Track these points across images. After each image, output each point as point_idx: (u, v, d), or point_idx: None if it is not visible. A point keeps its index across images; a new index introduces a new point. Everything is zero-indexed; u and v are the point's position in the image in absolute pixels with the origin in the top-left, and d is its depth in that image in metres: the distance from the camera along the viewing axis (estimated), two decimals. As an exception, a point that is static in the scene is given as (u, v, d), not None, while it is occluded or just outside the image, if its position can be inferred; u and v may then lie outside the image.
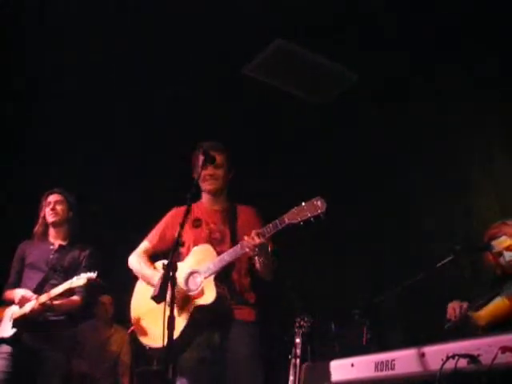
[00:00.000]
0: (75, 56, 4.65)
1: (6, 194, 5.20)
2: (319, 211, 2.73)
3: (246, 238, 2.85)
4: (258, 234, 2.81)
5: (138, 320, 3.11)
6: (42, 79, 4.83)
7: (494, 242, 3.37)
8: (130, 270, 3.26)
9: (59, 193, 4.06)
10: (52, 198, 4.03)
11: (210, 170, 3.14)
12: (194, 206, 3.19)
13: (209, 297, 2.88)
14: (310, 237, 5.59)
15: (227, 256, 2.92)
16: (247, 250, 2.85)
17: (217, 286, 2.89)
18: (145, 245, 3.27)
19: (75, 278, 3.64)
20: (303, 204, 2.78)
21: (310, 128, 5.48)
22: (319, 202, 2.75)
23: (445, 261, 3.37)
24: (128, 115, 5.26)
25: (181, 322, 2.86)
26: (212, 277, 2.91)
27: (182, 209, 3.20)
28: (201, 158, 3.04)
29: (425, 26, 4.30)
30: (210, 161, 3.02)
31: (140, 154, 5.61)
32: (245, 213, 3.23)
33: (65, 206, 4.03)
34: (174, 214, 3.25)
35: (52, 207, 3.98)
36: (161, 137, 5.45)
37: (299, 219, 2.75)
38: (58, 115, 5.04)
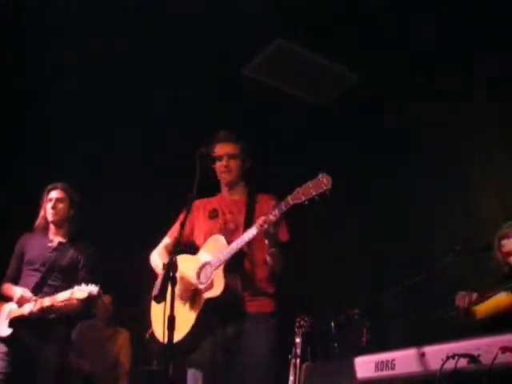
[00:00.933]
0: (75, 56, 4.65)
1: (6, 194, 5.19)
2: (324, 188, 2.56)
3: (261, 217, 2.76)
4: (272, 214, 2.71)
5: (156, 316, 3.04)
6: (42, 79, 4.82)
7: (504, 241, 3.39)
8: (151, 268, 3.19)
9: (62, 189, 3.94)
10: (54, 194, 3.91)
11: (224, 162, 3.12)
12: (215, 198, 3.20)
13: (217, 289, 2.81)
14: (310, 236, 5.61)
15: (235, 244, 2.84)
16: (260, 226, 2.74)
17: (226, 276, 2.81)
18: (165, 240, 3.23)
19: (76, 288, 3.58)
20: (308, 182, 2.63)
21: (310, 128, 5.48)
22: (324, 179, 2.58)
23: (445, 261, 3.38)
24: (128, 115, 5.26)
25: (191, 317, 2.83)
26: (221, 267, 2.84)
27: (203, 201, 3.22)
28: (200, 160, 3.02)
29: (425, 26, 4.30)
30: (210, 162, 3.02)
31: (140, 154, 5.61)
32: (264, 201, 3.12)
33: (66, 203, 3.91)
34: (194, 208, 3.18)
35: (53, 205, 3.87)
36: (161, 137, 5.45)
37: (303, 198, 2.62)
38: (57, 115, 5.05)
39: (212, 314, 2.86)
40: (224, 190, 3.24)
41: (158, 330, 2.92)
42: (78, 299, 3.60)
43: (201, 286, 2.88)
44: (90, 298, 3.61)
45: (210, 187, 3.20)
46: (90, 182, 5.20)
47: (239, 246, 2.83)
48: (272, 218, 2.72)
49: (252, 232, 2.79)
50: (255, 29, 4.45)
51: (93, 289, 3.56)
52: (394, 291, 3.64)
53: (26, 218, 4.06)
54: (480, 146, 4.51)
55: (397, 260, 4.89)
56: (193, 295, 2.88)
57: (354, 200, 5.41)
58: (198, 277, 2.93)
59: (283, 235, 3.02)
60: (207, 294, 2.84)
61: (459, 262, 3.59)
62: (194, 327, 2.81)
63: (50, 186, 3.97)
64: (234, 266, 2.89)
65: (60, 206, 3.90)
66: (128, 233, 5.45)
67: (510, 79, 4.21)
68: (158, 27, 4.45)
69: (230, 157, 3.14)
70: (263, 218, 2.75)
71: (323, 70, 4.99)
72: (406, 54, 4.57)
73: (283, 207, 2.71)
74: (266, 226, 2.73)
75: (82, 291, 3.57)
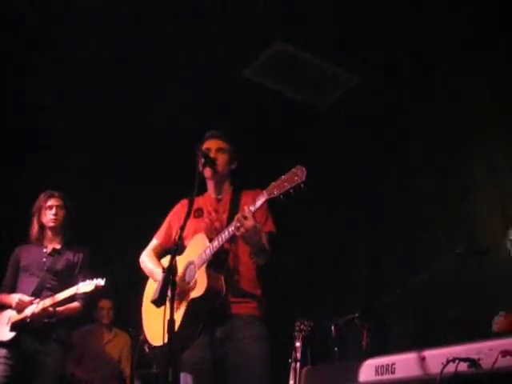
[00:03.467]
0: (74, 61, 4.66)
1: (3, 199, 5.20)
2: (298, 181, 2.50)
3: (236, 217, 2.70)
4: (243, 216, 2.66)
5: (146, 319, 3.07)
6: (43, 82, 4.83)
7: None
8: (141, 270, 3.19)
9: (59, 197, 4.01)
10: (53, 201, 3.98)
11: (212, 153, 3.09)
12: (200, 198, 3.15)
13: (200, 288, 2.77)
14: (310, 240, 5.61)
15: (215, 242, 2.80)
16: (233, 229, 2.69)
17: (209, 276, 2.77)
18: (153, 242, 3.23)
19: (81, 284, 3.65)
20: (282, 176, 2.59)
21: (310, 130, 5.48)
22: (299, 171, 2.53)
23: (445, 263, 3.37)
24: (127, 116, 5.26)
25: (178, 317, 2.78)
26: (204, 266, 2.80)
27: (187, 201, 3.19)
28: (201, 160, 3.02)
29: (425, 26, 4.29)
30: (209, 163, 3.02)
31: (140, 155, 5.61)
32: (250, 197, 3.02)
33: (64, 211, 3.99)
34: (179, 208, 3.20)
35: (55, 212, 3.94)
36: (161, 139, 5.46)
37: (277, 192, 2.57)
38: (56, 119, 5.06)
39: (198, 314, 2.81)
40: (210, 189, 3.23)
41: (151, 333, 2.96)
42: (83, 293, 3.67)
43: (186, 287, 2.84)
44: (98, 290, 3.64)
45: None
46: (89, 185, 5.25)
47: (219, 244, 2.79)
48: (247, 212, 2.67)
49: (230, 229, 2.74)
50: (255, 32, 4.46)
51: (99, 281, 3.60)
52: (394, 294, 3.62)
53: (21, 229, 4.06)
54: (482, 149, 4.50)
55: (397, 263, 4.88)
56: (179, 296, 2.80)
57: (354, 202, 5.41)
58: (184, 276, 2.89)
59: (268, 226, 3.01)
60: (191, 295, 2.81)
61: (460, 264, 3.58)
62: (179, 329, 2.73)
63: (46, 194, 4.01)
64: (218, 264, 2.85)
65: (60, 213, 3.96)
66: (127, 236, 5.45)
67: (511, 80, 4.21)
68: (159, 32, 4.45)
69: (218, 150, 3.13)
70: (238, 215, 2.71)
71: (323, 73, 4.99)
72: (407, 54, 4.56)
73: (258, 202, 2.68)
74: (240, 222, 2.66)
75: (87, 285, 3.62)
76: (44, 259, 3.89)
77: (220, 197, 3.19)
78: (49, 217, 3.95)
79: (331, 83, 5.10)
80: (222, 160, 3.13)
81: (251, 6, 4.24)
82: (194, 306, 2.80)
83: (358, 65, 4.86)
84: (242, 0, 4.21)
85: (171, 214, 3.25)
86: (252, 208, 2.68)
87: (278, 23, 4.47)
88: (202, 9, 4.27)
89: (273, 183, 2.62)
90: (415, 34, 4.37)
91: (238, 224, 2.67)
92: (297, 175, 2.53)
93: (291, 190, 2.54)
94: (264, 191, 2.65)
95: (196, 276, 2.83)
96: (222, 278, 2.82)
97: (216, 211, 3.10)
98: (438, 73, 4.64)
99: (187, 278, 2.88)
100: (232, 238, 2.82)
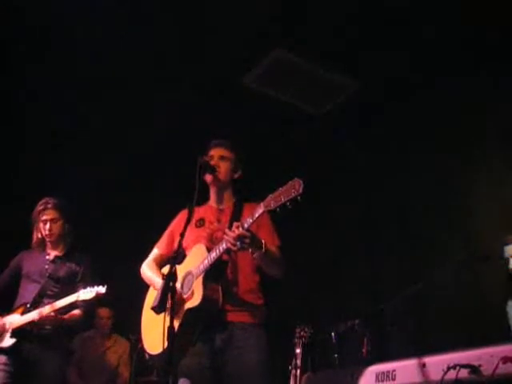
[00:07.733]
0: (75, 66, 4.66)
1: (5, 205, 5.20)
2: (294, 194, 2.49)
3: (226, 231, 2.74)
4: (237, 226, 2.69)
5: (144, 328, 3.08)
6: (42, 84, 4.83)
7: (506, 247, 3.35)
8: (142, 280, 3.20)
9: (53, 208, 3.95)
10: (47, 216, 3.93)
11: (214, 161, 3.10)
12: (202, 208, 3.17)
13: (196, 299, 2.79)
14: (310, 247, 5.61)
15: (213, 253, 2.81)
16: (228, 244, 2.71)
17: (205, 286, 2.79)
18: (154, 252, 3.24)
19: (82, 292, 3.63)
20: (280, 188, 2.58)
21: (310, 135, 5.49)
22: (295, 184, 2.51)
23: (445, 270, 3.38)
24: (127, 123, 5.27)
25: (175, 327, 2.77)
26: (201, 277, 2.82)
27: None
28: (201, 168, 3.02)
29: (425, 26, 4.31)
30: (209, 171, 3.03)
31: (140, 165, 5.61)
32: (250, 209, 2.97)
33: (61, 222, 3.96)
34: (181, 218, 3.19)
35: (49, 227, 3.91)
36: (161, 146, 5.46)
37: (274, 205, 2.57)
38: (56, 128, 5.08)
39: (193, 324, 2.83)
40: (211, 198, 3.24)
41: (148, 342, 2.96)
42: (83, 301, 3.65)
43: (183, 296, 2.85)
44: (93, 303, 3.64)
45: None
46: (90, 192, 5.25)
47: (217, 256, 2.80)
48: (246, 225, 2.69)
49: (226, 239, 2.74)
50: (255, 38, 4.47)
51: (100, 288, 3.61)
52: (394, 301, 3.62)
53: (25, 233, 4.06)
54: (480, 157, 4.51)
55: (397, 269, 4.88)
56: (176, 306, 2.77)
57: (353, 210, 5.42)
58: (182, 286, 2.89)
59: (274, 241, 3.01)
60: (187, 304, 2.81)
61: (459, 271, 3.58)
62: (177, 335, 2.68)
63: (41, 206, 3.97)
64: (216, 275, 2.86)
65: (55, 226, 3.94)
66: (128, 244, 5.45)
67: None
68: (159, 35, 4.46)
69: (221, 158, 3.15)
70: (235, 224, 2.72)
71: (323, 80, 5.00)
72: (406, 61, 4.57)
73: (256, 214, 2.68)
74: (244, 232, 2.68)
75: (87, 293, 3.61)
76: (46, 266, 3.88)
77: (222, 207, 3.19)
78: (44, 232, 3.93)
79: (331, 90, 5.12)
80: (223, 168, 3.14)
81: (251, 13, 4.25)
82: (190, 316, 2.81)
83: (358, 71, 4.88)
84: (242, 8, 4.22)
85: (173, 223, 3.26)
86: (250, 220, 2.69)
87: (277, 30, 4.49)
88: (201, 16, 4.29)
89: (270, 195, 2.62)
90: (415, 38, 4.38)
91: (232, 241, 2.68)
92: (293, 188, 2.51)
93: (288, 203, 2.53)
94: (261, 203, 2.65)
95: (193, 286, 2.83)
96: (220, 289, 2.83)
97: (218, 221, 3.10)
98: (437, 74, 4.64)
99: (185, 288, 2.89)
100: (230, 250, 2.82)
